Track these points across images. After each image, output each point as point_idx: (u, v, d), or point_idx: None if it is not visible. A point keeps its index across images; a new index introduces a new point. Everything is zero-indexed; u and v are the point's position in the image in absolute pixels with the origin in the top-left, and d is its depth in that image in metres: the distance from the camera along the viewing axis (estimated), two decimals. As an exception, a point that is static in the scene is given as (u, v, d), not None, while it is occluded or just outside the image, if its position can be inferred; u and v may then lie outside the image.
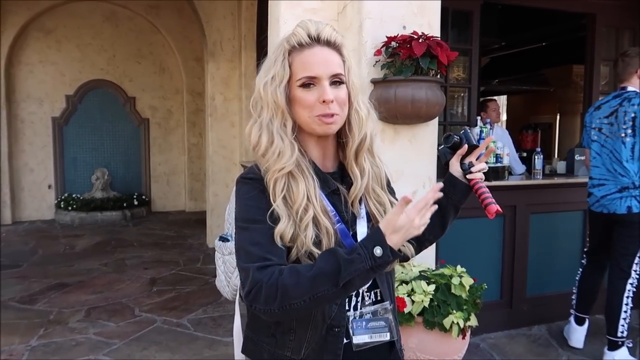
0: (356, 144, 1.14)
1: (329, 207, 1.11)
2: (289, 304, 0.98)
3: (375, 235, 0.96)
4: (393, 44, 2.66)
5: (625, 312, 3.12)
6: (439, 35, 2.82)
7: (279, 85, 1.09)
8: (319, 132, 1.10)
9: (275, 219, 1.05)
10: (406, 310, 2.37)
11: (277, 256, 1.03)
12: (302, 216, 1.05)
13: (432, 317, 2.35)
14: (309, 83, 1.08)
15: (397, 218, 0.94)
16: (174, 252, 6.04)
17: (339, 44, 1.12)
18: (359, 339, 1.12)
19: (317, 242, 1.05)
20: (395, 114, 2.70)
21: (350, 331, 1.11)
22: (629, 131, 3.16)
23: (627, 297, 3.13)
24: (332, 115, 1.08)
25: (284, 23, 2.99)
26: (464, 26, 3.75)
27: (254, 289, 0.99)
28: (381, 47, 2.69)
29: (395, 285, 2.47)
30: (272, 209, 1.05)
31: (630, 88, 3.21)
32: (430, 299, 2.37)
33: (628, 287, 3.13)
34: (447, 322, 2.33)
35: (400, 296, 2.40)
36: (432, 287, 2.41)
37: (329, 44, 1.10)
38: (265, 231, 1.04)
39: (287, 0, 3.00)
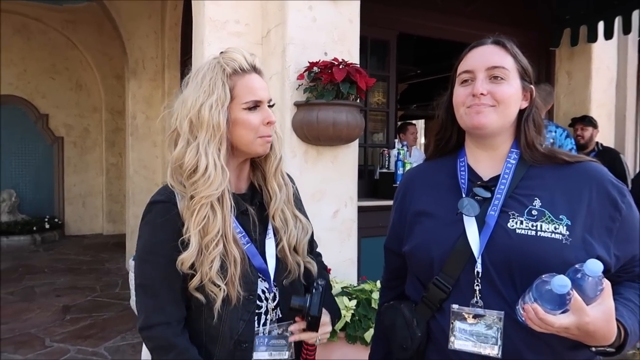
0: (277, 161, 1.22)
1: (238, 229, 1.15)
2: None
3: None
4: (315, 69, 2.78)
5: None
6: (358, 62, 2.98)
7: (221, 107, 1.10)
8: (260, 152, 1.17)
9: (185, 247, 1.08)
10: (329, 325, 2.44)
11: (168, 302, 1.12)
12: (212, 250, 1.08)
13: (353, 332, 2.44)
14: (255, 106, 1.14)
15: None
16: (90, 277, 5.73)
17: (263, 72, 1.21)
18: (258, 355, 1.16)
19: (223, 271, 1.10)
20: (318, 136, 2.80)
21: (254, 347, 1.15)
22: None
23: None
24: (270, 136, 1.17)
25: (208, 45, 3.03)
26: (382, 54, 3.98)
27: (146, 338, 1.14)
28: (304, 72, 2.80)
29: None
30: (183, 237, 1.08)
31: None
32: (352, 314, 2.46)
33: None
34: (368, 335, 2.43)
35: (323, 312, 2.46)
36: (354, 302, 2.50)
37: (260, 72, 1.19)
38: (162, 267, 1.10)
39: (212, 23, 3.05)
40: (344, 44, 3.01)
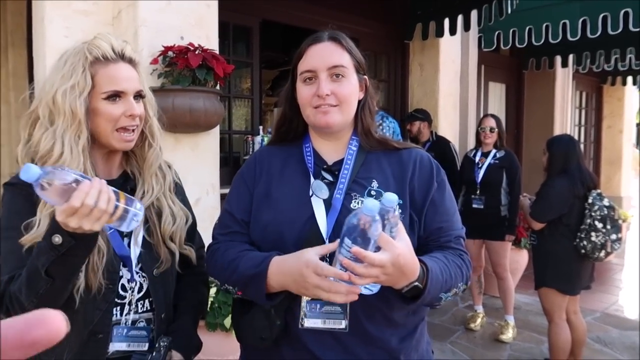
0: (153, 155, 1.21)
1: None
2: (21, 308, 1.00)
3: (52, 222, 0.97)
4: (170, 53, 2.68)
5: None
6: (216, 48, 2.94)
7: (79, 95, 1.07)
8: (118, 148, 1.15)
9: (32, 227, 1.04)
10: (188, 315, 2.41)
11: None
12: None
13: (213, 319, 2.44)
14: (115, 96, 1.11)
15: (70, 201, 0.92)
16: None
17: (137, 62, 1.18)
18: (116, 346, 1.14)
19: None
20: (175, 123, 2.72)
21: (111, 338, 1.14)
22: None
23: None
24: (134, 130, 1.14)
25: (50, 23, 2.78)
26: (246, 40, 3.96)
27: (2, 297, 1.03)
28: (158, 56, 2.69)
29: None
30: (34, 218, 1.05)
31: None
32: (211, 301, 2.46)
33: None
34: (228, 321, 2.44)
35: (182, 302, 2.43)
36: (214, 289, 2.50)
37: (131, 61, 1.16)
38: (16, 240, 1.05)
39: (54, -2, 2.79)
40: (201, 28, 2.95)
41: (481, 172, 3.75)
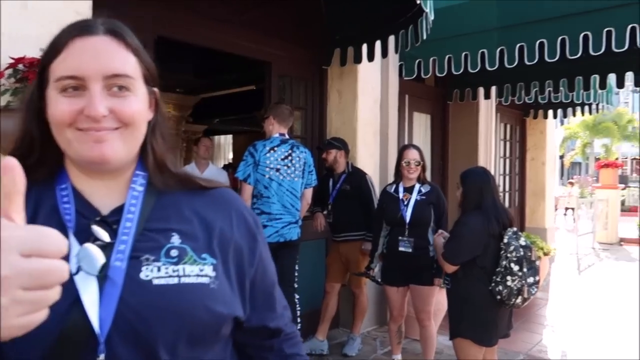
0: None
1: None
2: None
3: None
4: (21, 66, 2.23)
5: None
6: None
7: None
8: None
9: None
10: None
11: None
12: None
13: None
14: None
15: None
16: None
17: None
18: None
19: None
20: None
21: None
22: (299, 172, 3.51)
23: (298, 305, 3.51)
24: None
25: None
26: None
27: None
28: (4, 70, 2.23)
29: None
30: None
31: (286, 135, 3.57)
32: None
33: (296, 296, 3.52)
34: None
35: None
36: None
37: None
38: None
39: None
40: (70, 40, 2.52)
41: (409, 210, 3.38)
